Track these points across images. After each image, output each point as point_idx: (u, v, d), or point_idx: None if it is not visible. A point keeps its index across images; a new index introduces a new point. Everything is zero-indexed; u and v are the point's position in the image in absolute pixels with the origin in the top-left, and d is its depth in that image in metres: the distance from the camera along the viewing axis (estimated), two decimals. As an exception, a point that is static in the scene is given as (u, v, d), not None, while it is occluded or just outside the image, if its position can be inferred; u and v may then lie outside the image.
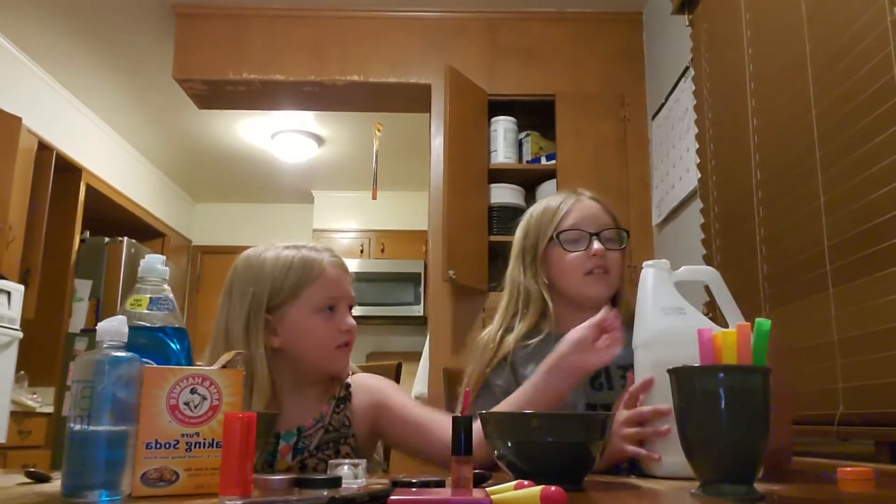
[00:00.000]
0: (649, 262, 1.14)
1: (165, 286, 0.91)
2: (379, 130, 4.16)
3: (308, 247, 1.31)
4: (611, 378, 1.34)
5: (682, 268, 1.14)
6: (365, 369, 1.75)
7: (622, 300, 1.45)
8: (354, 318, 1.32)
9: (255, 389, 1.20)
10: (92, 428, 0.72)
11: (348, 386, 1.33)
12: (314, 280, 1.26)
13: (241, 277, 1.27)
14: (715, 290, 1.12)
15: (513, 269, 1.49)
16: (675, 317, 1.07)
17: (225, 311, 1.26)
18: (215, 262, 6.03)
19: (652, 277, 1.12)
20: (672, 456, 0.95)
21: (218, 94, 3.59)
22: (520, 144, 3.42)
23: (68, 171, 4.38)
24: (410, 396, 1.42)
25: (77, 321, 4.47)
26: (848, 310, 1.54)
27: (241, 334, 1.22)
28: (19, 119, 3.70)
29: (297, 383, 1.28)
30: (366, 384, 1.35)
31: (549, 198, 1.51)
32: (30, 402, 3.82)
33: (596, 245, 1.40)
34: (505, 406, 1.19)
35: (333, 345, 1.26)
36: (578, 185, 1.54)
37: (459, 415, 0.79)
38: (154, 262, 0.91)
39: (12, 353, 3.43)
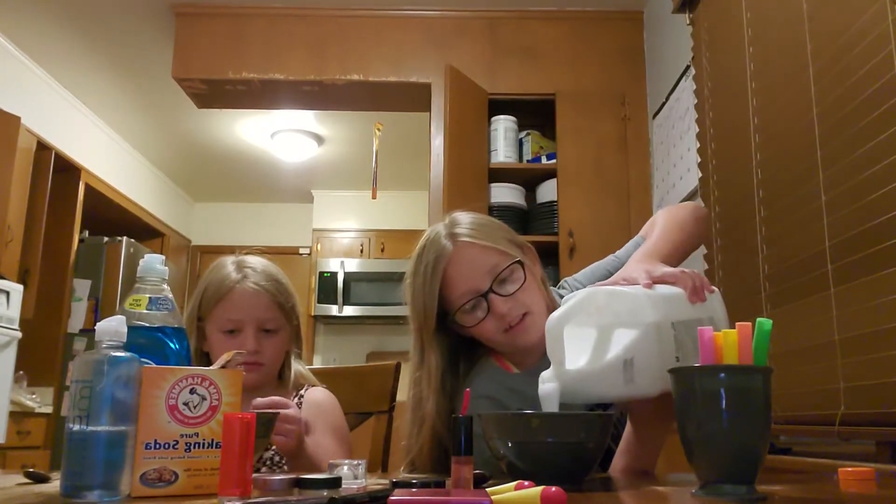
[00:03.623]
0: (542, 386, 0.95)
1: (165, 286, 0.91)
2: (379, 130, 4.15)
3: (245, 264, 1.35)
4: None
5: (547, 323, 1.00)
6: (364, 369, 1.74)
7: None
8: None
9: None
10: (91, 428, 0.72)
11: (301, 396, 1.34)
12: (220, 300, 1.31)
13: (202, 277, 1.37)
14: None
15: (421, 346, 1.23)
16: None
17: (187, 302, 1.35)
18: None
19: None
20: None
21: (217, 94, 3.59)
22: (520, 144, 3.41)
23: (67, 170, 4.38)
24: (340, 426, 1.36)
25: (76, 321, 4.47)
26: (849, 309, 1.53)
27: (188, 330, 1.27)
28: (18, 118, 3.69)
29: None
30: (315, 399, 1.35)
31: (422, 252, 1.21)
32: (29, 403, 3.82)
33: (498, 306, 1.15)
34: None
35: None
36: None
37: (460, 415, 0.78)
38: (153, 262, 0.91)
39: (11, 353, 3.43)
